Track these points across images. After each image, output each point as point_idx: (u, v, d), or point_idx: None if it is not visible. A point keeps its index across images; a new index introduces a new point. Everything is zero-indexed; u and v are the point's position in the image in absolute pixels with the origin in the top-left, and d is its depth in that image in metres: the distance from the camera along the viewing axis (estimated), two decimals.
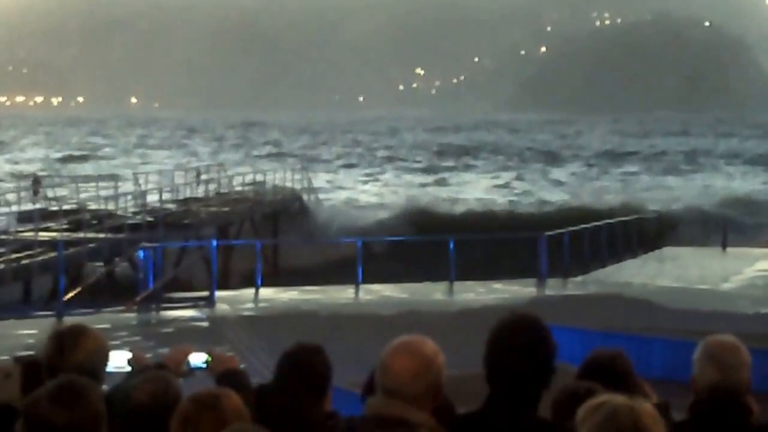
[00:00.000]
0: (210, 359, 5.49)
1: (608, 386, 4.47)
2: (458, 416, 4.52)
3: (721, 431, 4.72)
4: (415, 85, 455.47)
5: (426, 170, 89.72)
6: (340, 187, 72.19)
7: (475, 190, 71.77)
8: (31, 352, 5.19)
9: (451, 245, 26.80)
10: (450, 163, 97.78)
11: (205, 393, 3.98)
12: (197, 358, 5.50)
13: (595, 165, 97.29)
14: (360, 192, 70.58)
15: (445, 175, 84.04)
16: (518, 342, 4.49)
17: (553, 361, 4.53)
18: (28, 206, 33.28)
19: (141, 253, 24.51)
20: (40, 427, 3.61)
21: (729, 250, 33.02)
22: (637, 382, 5.17)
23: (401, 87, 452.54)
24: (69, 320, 19.27)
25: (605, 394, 3.50)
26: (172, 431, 3.85)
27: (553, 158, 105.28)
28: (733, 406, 4.77)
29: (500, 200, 65.16)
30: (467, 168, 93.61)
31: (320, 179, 69.04)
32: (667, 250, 33.04)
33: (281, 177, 46.73)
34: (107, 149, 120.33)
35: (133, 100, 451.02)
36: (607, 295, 23.34)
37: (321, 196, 53.15)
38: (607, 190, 71.26)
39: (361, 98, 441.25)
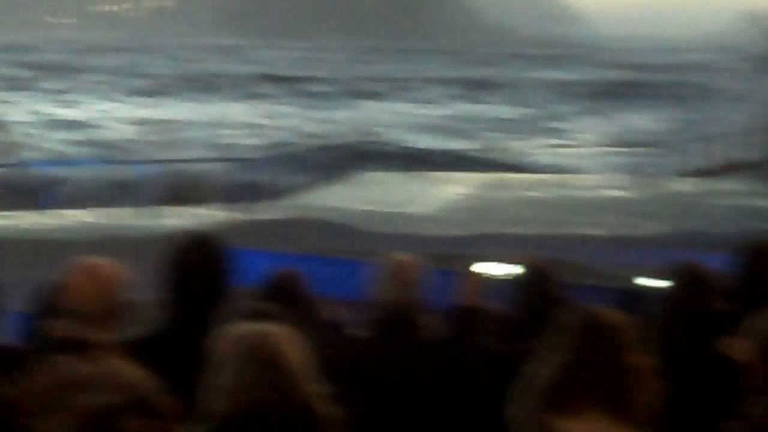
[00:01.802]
0: None
1: (284, 306, 4.54)
2: (138, 338, 4.49)
3: (397, 347, 4.88)
4: (115, 8, 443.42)
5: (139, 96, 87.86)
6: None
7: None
8: None
9: (156, 170, 26.59)
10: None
11: None
12: None
13: (286, 89, 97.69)
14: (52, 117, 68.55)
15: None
16: (194, 262, 4.50)
17: (228, 281, 4.56)
18: None
19: None
20: None
21: (420, 174, 33.95)
22: (313, 301, 5.26)
23: (95, 8, 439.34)
24: None
25: (253, 322, 3.52)
26: None
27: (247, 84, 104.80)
28: (408, 323, 4.93)
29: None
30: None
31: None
32: (369, 174, 33.62)
33: None
34: None
35: None
36: (302, 219, 23.52)
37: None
38: (300, 115, 71.88)
39: (49, 18, 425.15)
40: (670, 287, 4.98)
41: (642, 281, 5.37)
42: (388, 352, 4.84)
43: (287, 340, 3.47)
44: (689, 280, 4.85)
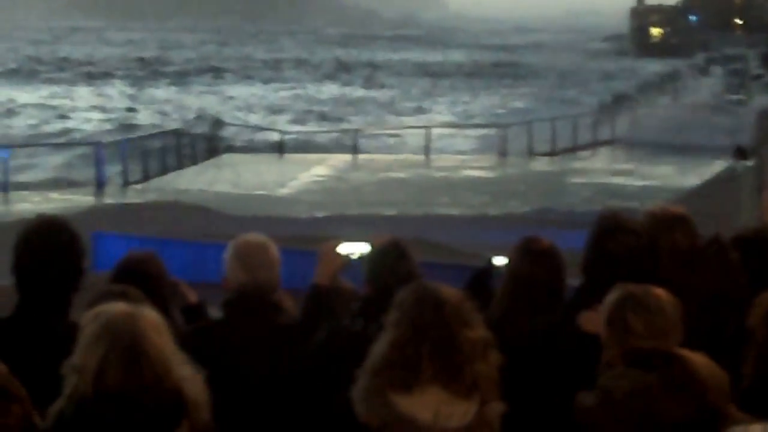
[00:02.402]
0: None
1: (140, 288, 4.48)
2: None
3: (252, 327, 4.85)
4: None
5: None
6: None
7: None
8: None
9: (6, 155, 26.04)
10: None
11: None
12: None
13: (142, 71, 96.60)
14: None
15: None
16: (42, 246, 4.40)
17: (81, 263, 4.47)
18: None
19: None
20: None
21: (286, 156, 33.91)
22: (169, 283, 5.19)
23: None
24: None
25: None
26: None
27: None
28: (259, 304, 4.90)
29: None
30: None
31: None
32: (226, 157, 33.42)
33: None
34: None
35: None
36: (165, 203, 23.32)
37: None
38: (156, 97, 71.18)
39: None
40: (510, 262, 5.03)
41: (499, 259, 5.42)
42: (238, 334, 4.81)
43: (149, 320, 3.45)
44: (529, 254, 4.91)
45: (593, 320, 4.34)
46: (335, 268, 5.21)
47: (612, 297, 4.10)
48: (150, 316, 3.48)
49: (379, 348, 3.43)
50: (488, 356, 3.39)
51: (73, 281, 4.44)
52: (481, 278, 5.61)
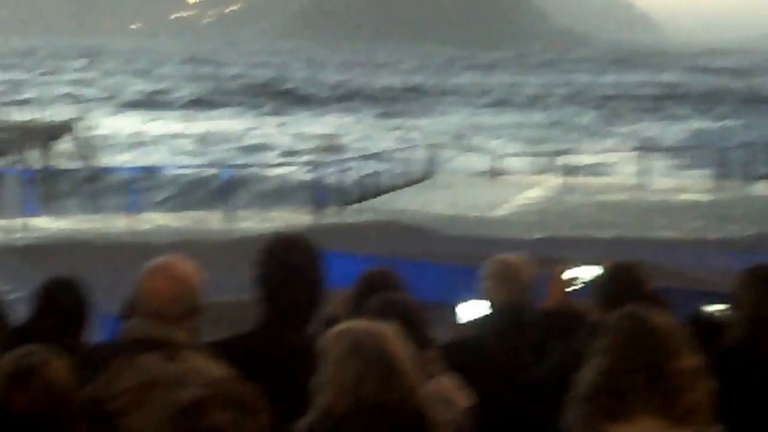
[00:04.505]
0: None
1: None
2: (230, 338, 4.50)
3: (510, 343, 4.93)
4: (187, 14, 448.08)
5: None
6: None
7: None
8: None
9: (227, 175, 26.97)
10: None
11: None
12: None
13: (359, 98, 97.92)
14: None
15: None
16: (288, 261, 4.47)
17: (323, 281, 4.55)
18: None
19: None
20: None
21: (498, 177, 33.88)
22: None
23: (174, 16, 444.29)
24: None
25: (349, 321, 3.57)
26: None
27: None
28: (519, 321, 4.99)
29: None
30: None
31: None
32: (440, 178, 33.61)
33: (53, 106, 45.47)
34: None
35: None
36: (383, 223, 23.61)
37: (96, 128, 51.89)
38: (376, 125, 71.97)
39: (133, 26, 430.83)
40: (742, 288, 4.87)
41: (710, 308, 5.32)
42: (495, 349, 4.90)
43: (394, 336, 3.53)
44: (759, 281, 4.76)
45: None
46: (563, 291, 5.24)
47: None
48: (393, 331, 3.55)
49: (590, 375, 3.38)
50: (701, 384, 3.34)
51: (318, 296, 4.55)
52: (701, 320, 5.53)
